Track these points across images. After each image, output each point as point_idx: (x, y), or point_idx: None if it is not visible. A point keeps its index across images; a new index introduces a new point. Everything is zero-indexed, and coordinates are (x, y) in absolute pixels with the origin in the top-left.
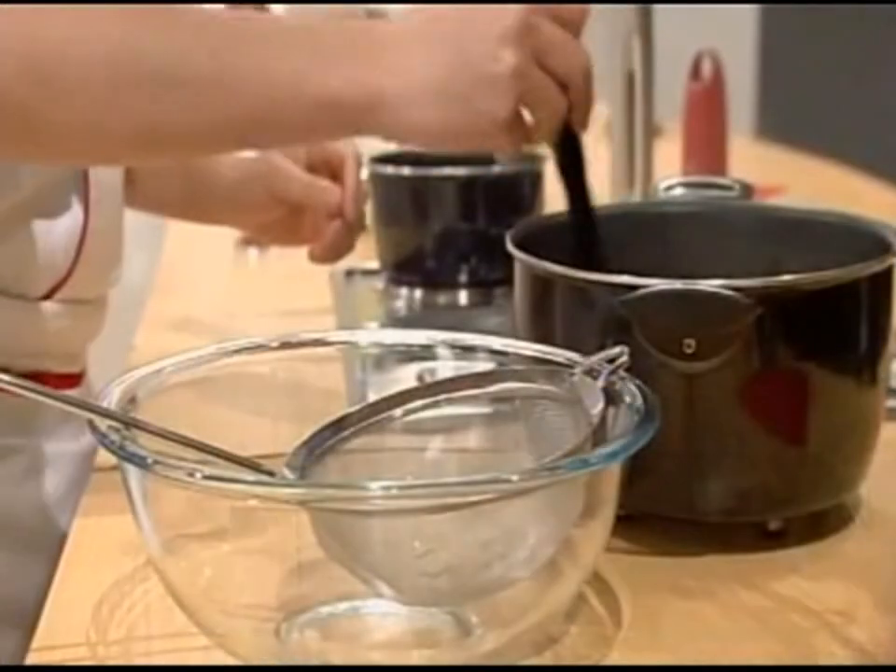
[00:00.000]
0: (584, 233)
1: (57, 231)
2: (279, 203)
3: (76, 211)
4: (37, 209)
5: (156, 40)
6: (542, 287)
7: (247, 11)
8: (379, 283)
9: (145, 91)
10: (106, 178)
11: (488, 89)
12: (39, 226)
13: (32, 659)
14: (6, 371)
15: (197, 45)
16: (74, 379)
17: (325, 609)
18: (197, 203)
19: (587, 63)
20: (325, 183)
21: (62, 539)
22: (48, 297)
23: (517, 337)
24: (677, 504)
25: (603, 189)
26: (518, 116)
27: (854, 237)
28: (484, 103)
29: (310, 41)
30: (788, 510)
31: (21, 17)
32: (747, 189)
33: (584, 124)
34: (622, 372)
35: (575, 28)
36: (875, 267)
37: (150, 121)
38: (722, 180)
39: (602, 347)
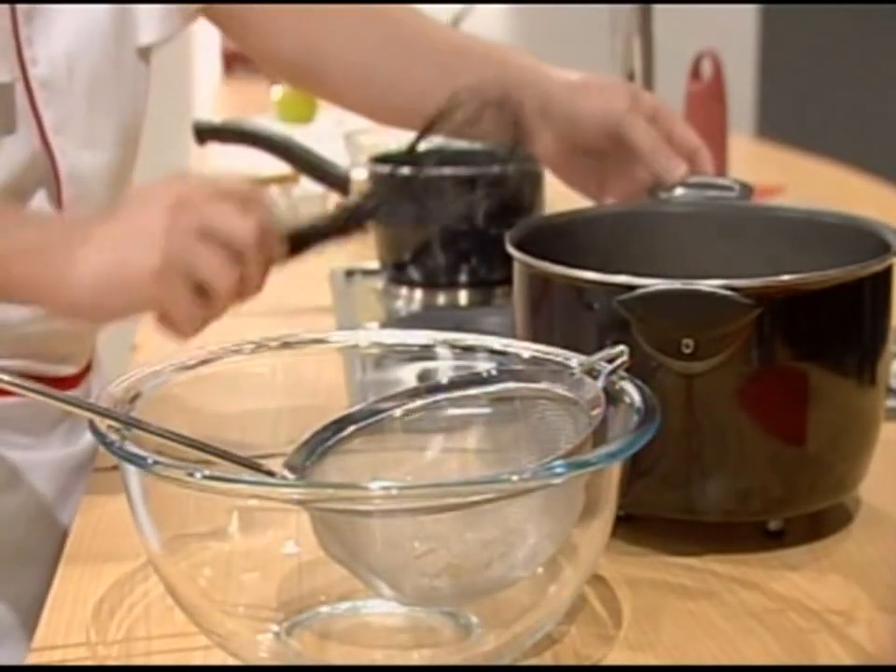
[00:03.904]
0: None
1: None
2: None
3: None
4: None
5: None
6: (541, 287)
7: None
8: (379, 283)
9: None
10: (87, 173)
11: (138, 241)
12: None
13: (32, 659)
14: (4, 370)
15: None
16: (70, 381)
17: (325, 609)
18: None
19: (253, 229)
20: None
21: (54, 551)
22: None
23: (517, 337)
24: (677, 504)
25: None
26: (169, 269)
27: (854, 237)
28: (133, 252)
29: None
30: (787, 510)
31: None
32: (747, 189)
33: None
34: (622, 372)
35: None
36: (875, 267)
37: None
38: (722, 180)
39: (601, 347)
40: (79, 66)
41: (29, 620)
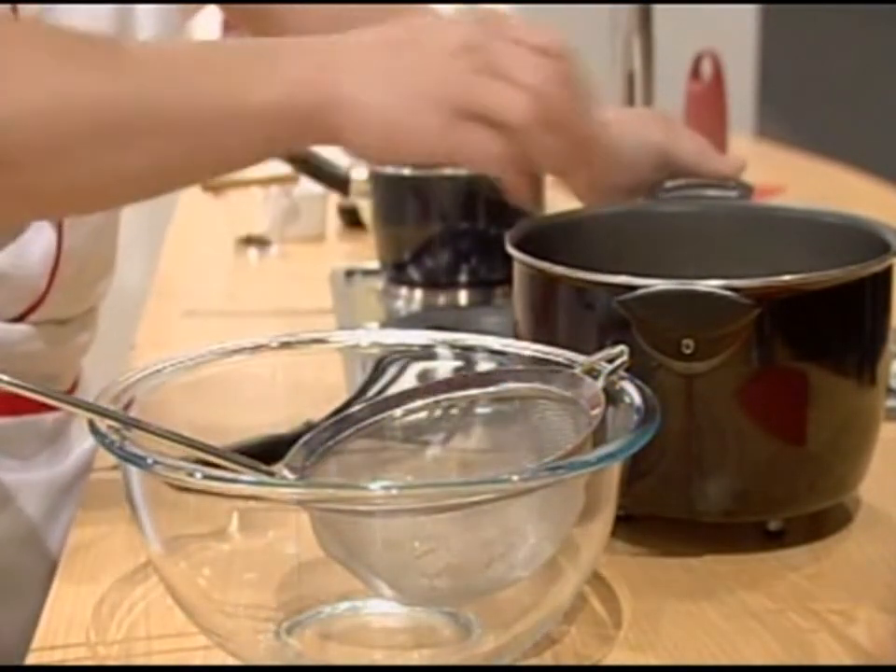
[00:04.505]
0: None
1: (30, 255)
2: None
3: (47, 233)
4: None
5: (90, 86)
6: (541, 287)
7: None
8: (379, 283)
9: (85, 141)
10: None
11: (436, 84)
12: (9, 250)
13: (32, 659)
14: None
15: (130, 85)
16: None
17: (325, 609)
18: None
19: (559, 71)
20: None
21: (44, 577)
22: (20, 319)
23: (517, 337)
24: (677, 504)
25: None
26: (462, 121)
27: (854, 237)
28: (434, 91)
29: (249, 53)
30: (787, 510)
31: None
32: (746, 189)
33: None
34: (622, 372)
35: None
36: (875, 267)
37: (93, 173)
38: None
39: (601, 347)
40: None
41: (22, 645)
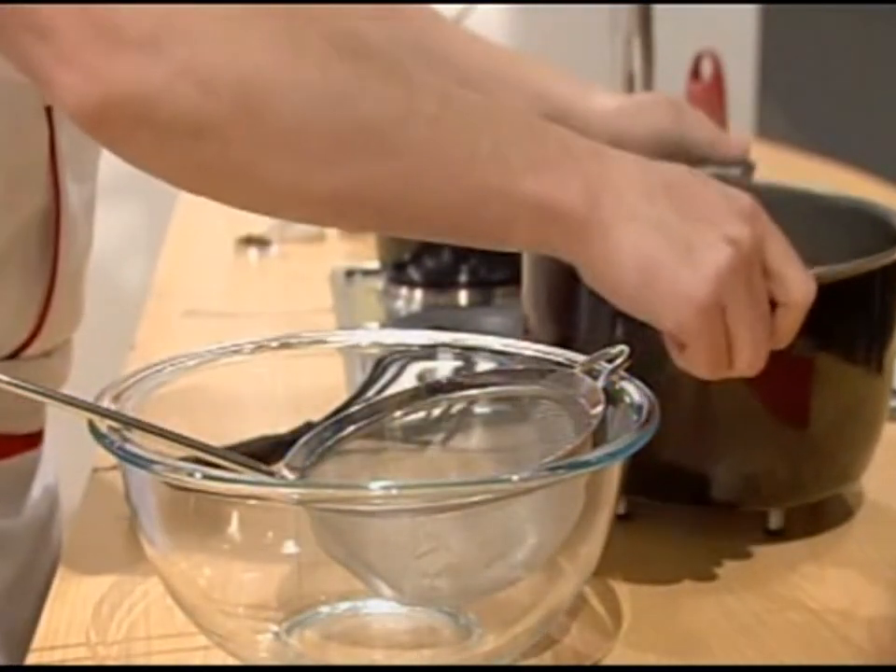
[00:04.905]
0: None
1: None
2: None
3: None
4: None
5: (379, 95)
6: (559, 275)
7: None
8: (379, 283)
9: (357, 149)
10: (75, 209)
11: (697, 263)
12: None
13: (32, 659)
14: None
15: (419, 111)
16: (34, 439)
17: (325, 609)
18: None
19: (810, 295)
20: None
21: (19, 638)
22: (9, 357)
23: (526, 332)
24: (683, 491)
25: None
26: (713, 310)
27: (864, 223)
28: (687, 271)
29: (535, 135)
30: (792, 498)
31: (230, 48)
32: (749, 167)
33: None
34: (622, 372)
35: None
36: (884, 260)
37: (354, 184)
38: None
39: (614, 334)
40: None
41: None
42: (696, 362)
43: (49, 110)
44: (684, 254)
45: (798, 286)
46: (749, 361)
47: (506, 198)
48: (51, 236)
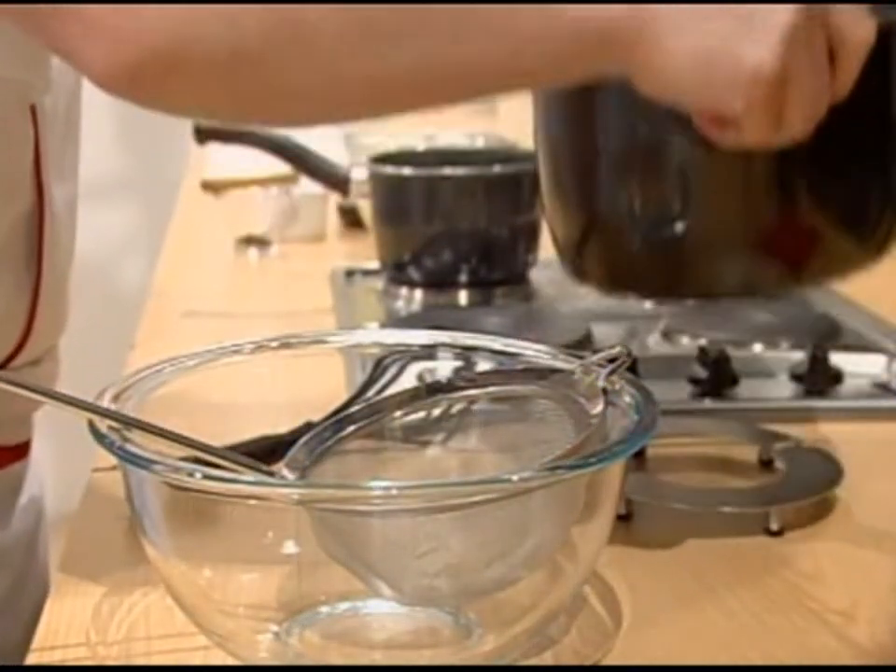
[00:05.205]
0: None
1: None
2: None
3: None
4: None
5: None
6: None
7: None
8: (379, 283)
9: (384, 35)
10: (59, 210)
11: (759, 35)
12: None
13: (32, 659)
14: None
15: None
16: (21, 450)
17: (325, 609)
18: None
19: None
20: None
21: (10, 653)
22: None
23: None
24: (731, 280)
25: None
26: (779, 79)
27: None
28: (750, 47)
29: None
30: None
31: None
32: None
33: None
34: (622, 372)
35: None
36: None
37: (390, 70)
38: None
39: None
40: (62, 87)
41: None
42: (751, 132)
43: (33, 109)
44: (745, 25)
45: (855, 27)
46: (807, 118)
47: (555, 32)
48: (35, 242)
